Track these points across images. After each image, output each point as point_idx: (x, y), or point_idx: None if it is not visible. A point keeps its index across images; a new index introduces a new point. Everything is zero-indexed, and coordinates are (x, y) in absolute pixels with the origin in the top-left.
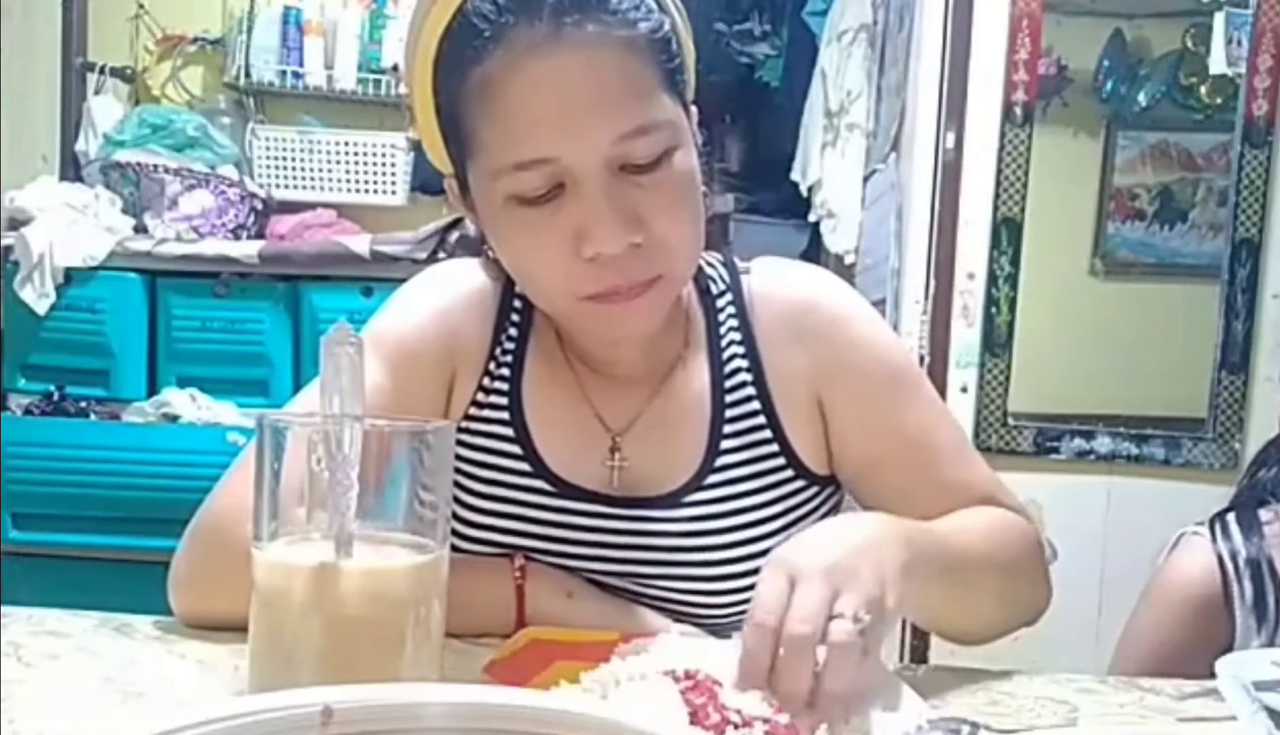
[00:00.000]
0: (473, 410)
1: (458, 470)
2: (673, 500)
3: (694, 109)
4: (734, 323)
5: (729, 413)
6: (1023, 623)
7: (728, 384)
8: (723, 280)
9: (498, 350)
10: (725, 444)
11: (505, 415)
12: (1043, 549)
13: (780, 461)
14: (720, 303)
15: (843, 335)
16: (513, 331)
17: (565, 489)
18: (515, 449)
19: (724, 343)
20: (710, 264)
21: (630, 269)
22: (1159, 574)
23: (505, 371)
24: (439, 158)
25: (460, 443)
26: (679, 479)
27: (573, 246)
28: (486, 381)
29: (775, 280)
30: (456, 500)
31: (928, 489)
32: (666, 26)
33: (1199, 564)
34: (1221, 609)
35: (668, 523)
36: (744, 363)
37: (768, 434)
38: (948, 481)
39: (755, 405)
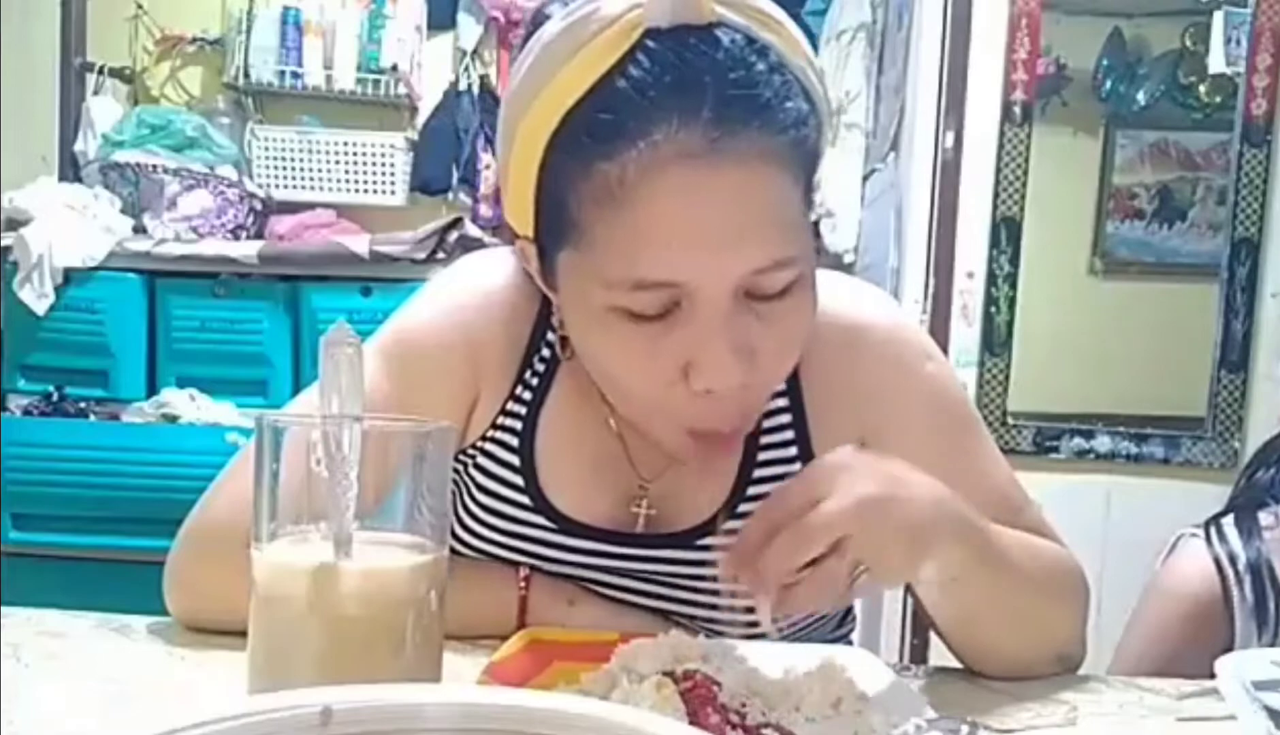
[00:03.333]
0: (489, 432)
1: (462, 488)
2: (686, 539)
3: None
4: None
5: (762, 455)
6: (1053, 661)
7: (766, 424)
8: None
9: (527, 372)
10: (752, 490)
11: (515, 442)
12: (1088, 596)
13: None
14: None
15: (894, 373)
16: (545, 352)
17: (567, 525)
18: (517, 480)
19: None
20: None
21: (729, 409)
22: (1157, 577)
23: (529, 394)
24: (521, 225)
25: (471, 458)
26: (698, 517)
27: (678, 372)
28: (509, 404)
29: (824, 302)
30: (459, 521)
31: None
32: (816, 134)
33: (1197, 567)
34: (1221, 612)
35: (677, 565)
36: (785, 402)
37: None
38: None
39: (793, 451)
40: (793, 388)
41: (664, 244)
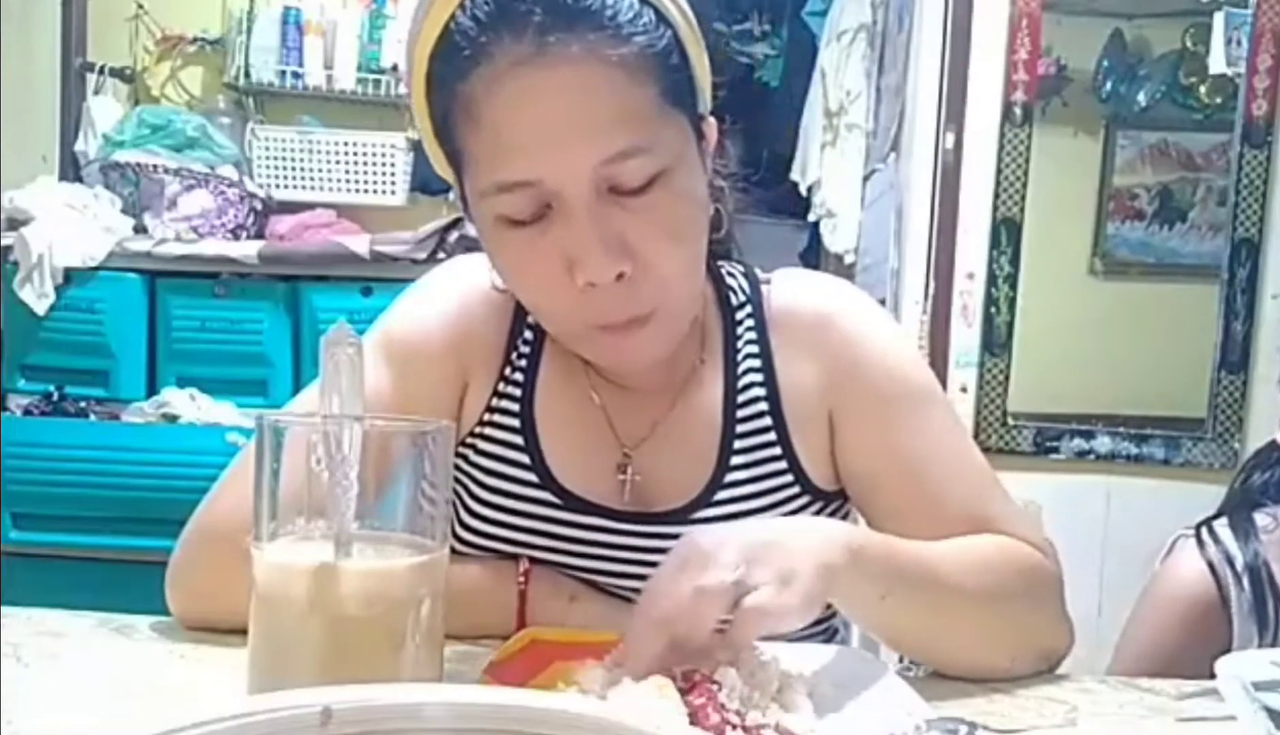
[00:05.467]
0: (486, 415)
1: (465, 476)
2: (680, 516)
3: (712, 122)
4: (752, 336)
5: (739, 428)
6: (1034, 663)
7: (740, 398)
8: (743, 291)
9: (513, 355)
10: (735, 460)
11: (515, 423)
12: (1060, 586)
13: (788, 479)
14: (740, 315)
15: (858, 350)
16: (528, 335)
17: (572, 501)
18: (523, 459)
19: (740, 356)
20: (731, 274)
21: (620, 301)
22: (1154, 578)
23: (519, 376)
24: (441, 168)
25: (471, 447)
26: (688, 494)
27: (562, 272)
28: (501, 386)
29: (795, 292)
30: (463, 507)
31: (921, 511)
32: (666, 40)
33: (1193, 569)
34: (1218, 613)
35: (675, 540)
36: (758, 377)
37: (777, 451)
38: (944, 505)
39: (766, 421)
40: (767, 371)
41: (512, 146)
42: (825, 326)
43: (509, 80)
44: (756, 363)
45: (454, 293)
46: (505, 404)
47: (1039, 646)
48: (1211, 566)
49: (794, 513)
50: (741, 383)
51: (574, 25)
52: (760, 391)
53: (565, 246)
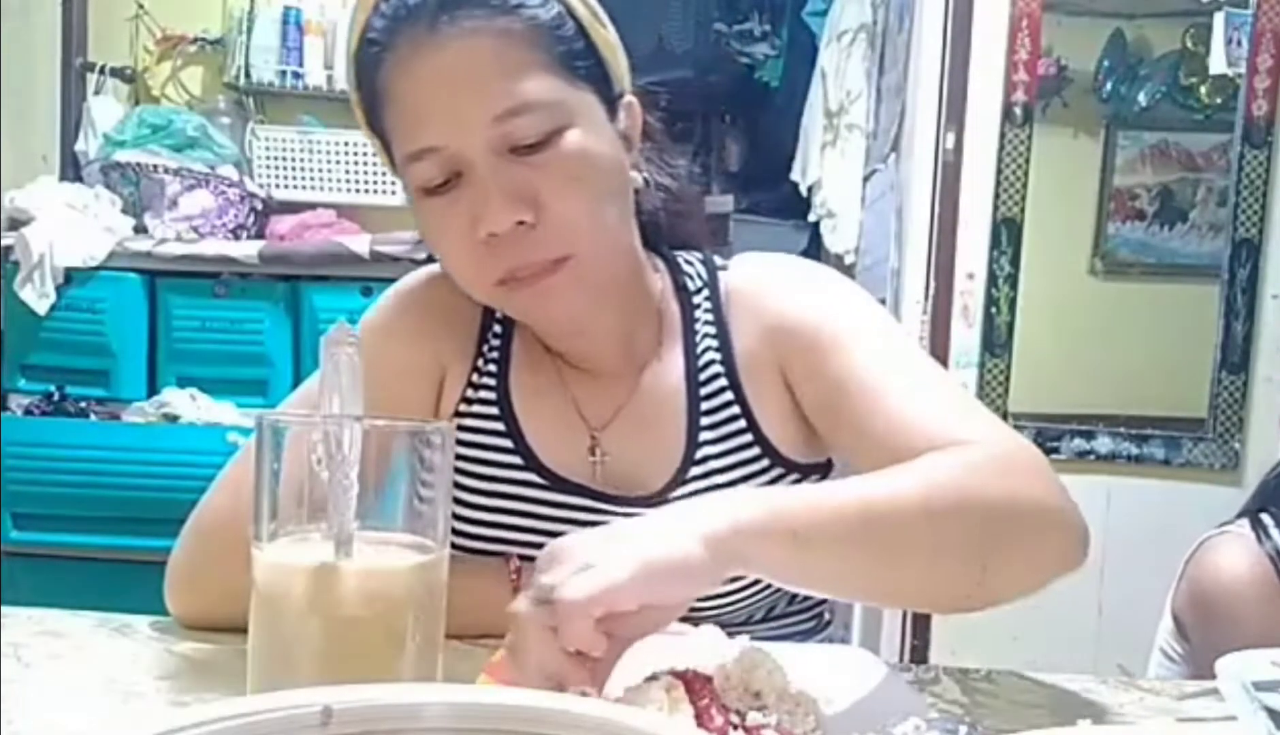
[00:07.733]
0: (463, 407)
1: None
2: (658, 498)
3: (632, 102)
4: (709, 318)
5: (704, 406)
6: (1026, 566)
7: (702, 377)
8: (700, 277)
9: (485, 346)
10: (703, 437)
11: (495, 410)
12: (1047, 466)
13: (756, 452)
14: (697, 300)
15: (794, 300)
16: (498, 328)
17: (557, 482)
18: (507, 443)
19: (698, 336)
20: (689, 261)
21: (525, 250)
22: (1201, 581)
23: (493, 367)
24: (386, 165)
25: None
26: (662, 476)
27: (471, 230)
28: (475, 377)
29: (743, 269)
30: (456, 501)
31: (885, 429)
32: (555, 13)
33: (1254, 560)
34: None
35: None
36: (718, 356)
37: (742, 424)
38: (907, 419)
39: (729, 396)
40: (724, 349)
41: (414, 116)
42: (763, 292)
43: (410, 60)
44: (714, 342)
45: (425, 287)
46: (483, 394)
47: (1027, 540)
48: (1272, 560)
49: (766, 485)
50: (701, 361)
51: (462, 5)
52: (719, 367)
53: (471, 204)
